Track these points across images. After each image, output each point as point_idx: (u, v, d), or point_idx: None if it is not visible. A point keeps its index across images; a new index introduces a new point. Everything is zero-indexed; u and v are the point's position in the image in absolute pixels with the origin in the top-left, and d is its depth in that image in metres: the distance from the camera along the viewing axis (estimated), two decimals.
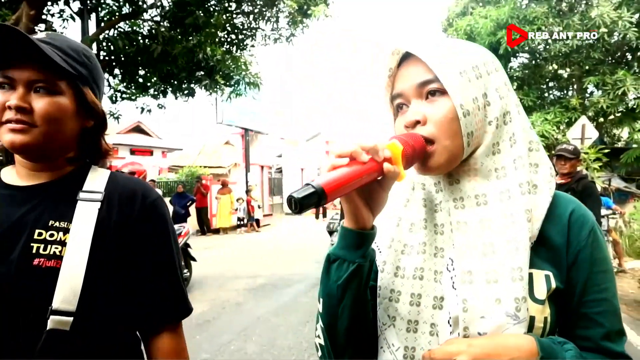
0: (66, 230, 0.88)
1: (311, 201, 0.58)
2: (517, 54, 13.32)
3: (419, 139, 0.71)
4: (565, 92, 13.83)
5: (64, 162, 0.98)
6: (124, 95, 9.67)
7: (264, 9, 8.91)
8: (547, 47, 12.70)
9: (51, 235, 0.87)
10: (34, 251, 0.85)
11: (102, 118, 1.00)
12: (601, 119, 12.41)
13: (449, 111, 0.70)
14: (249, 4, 8.95)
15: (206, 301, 5.88)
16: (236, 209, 14.64)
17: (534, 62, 13.63)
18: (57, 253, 0.86)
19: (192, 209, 13.18)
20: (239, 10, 9.05)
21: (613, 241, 7.21)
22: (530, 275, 0.68)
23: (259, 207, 15.30)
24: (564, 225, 0.72)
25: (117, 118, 9.84)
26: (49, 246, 0.86)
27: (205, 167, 19.49)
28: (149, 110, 10.11)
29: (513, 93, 0.75)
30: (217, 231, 14.25)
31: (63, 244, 0.87)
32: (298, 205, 0.58)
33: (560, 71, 13.39)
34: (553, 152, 4.13)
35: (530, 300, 0.67)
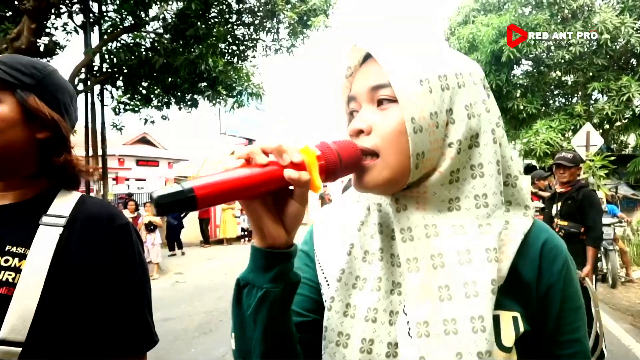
0: (23, 256, 0.84)
1: (175, 203, 0.48)
2: (520, 62, 13.27)
3: (351, 148, 0.60)
4: (569, 98, 13.74)
5: (26, 182, 0.94)
6: (127, 107, 9.75)
7: (264, 20, 8.96)
8: (550, 54, 12.64)
9: (6, 261, 0.83)
10: None
11: (56, 128, 0.93)
12: (607, 126, 12.29)
13: (397, 123, 0.59)
14: (250, 15, 9.00)
15: (204, 313, 5.82)
16: (237, 217, 14.60)
17: (537, 69, 13.57)
18: (10, 280, 0.82)
19: (194, 221, 13.17)
20: (239, 22, 9.11)
21: (620, 250, 7.07)
22: (497, 318, 0.60)
23: None
24: (535, 257, 0.64)
25: (120, 129, 9.91)
26: (2, 272, 0.82)
27: None
28: (152, 122, 10.18)
29: (494, 115, 0.65)
30: (220, 242, 14.21)
31: (18, 270, 0.83)
32: (159, 206, 0.48)
33: (564, 78, 13.31)
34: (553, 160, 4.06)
35: (496, 348, 0.59)
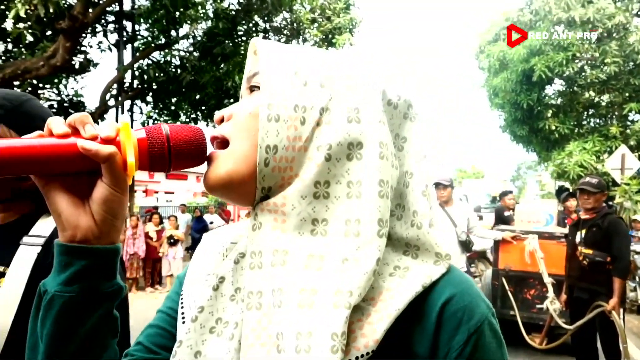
0: (2, 274, 0.90)
1: None
2: (552, 81, 12.92)
3: (190, 132, 0.52)
4: (604, 119, 13.24)
5: (5, 206, 1.00)
6: (155, 122, 10.04)
7: (290, 39, 9.10)
8: (584, 73, 12.26)
9: None
10: None
11: None
12: None
13: (253, 107, 0.51)
14: (276, 33, 9.17)
15: None
16: None
17: (570, 89, 13.17)
18: None
19: None
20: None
21: None
22: None
23: None
24: (430, 323, 0.47)
25: None
26: None
27: None
28: None
29: (400, 140, 0.54)
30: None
31: None
32: None
33: (598, 98, 12.86)
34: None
35: None
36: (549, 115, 12.91)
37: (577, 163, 11.33)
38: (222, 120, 0.54)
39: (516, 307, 4.47)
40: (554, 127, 12.46)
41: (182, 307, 0.58)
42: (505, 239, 4.75)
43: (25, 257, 0.91)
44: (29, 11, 5.42)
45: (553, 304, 4.02)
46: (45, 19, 6.54)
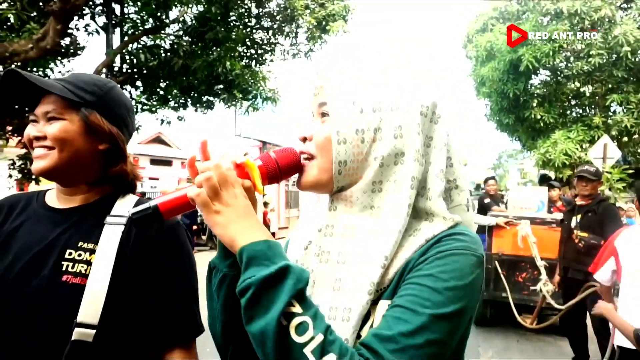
0: (92, 251, 0.98)
1: (146, 219, 0.68)
2: (538, 72, 13.16)
3: (289, 154, 0.74)
4: (587, 110, 13.57)
5: (90, 188, 1.07)
6: (144, 107, 9.87)
7: (283, 25, 9.02)
8: (569, 64, 12.52)
9: (79, 255, 0.98)
10: (63, 269, 0.96)
11: (114, 140, 1.05)
12: (625, 138, 12.11)
13: (327, 133, 0.72)
14: (269, 19, 9.08)
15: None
16: None
17: (555, 79, 13.44)
18: (83, 271, 0.96)
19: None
20: (258, 26, 9.19)
21: None
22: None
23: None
24: (421, 253, 0.69)
25: (137, 129, 10.05)
26: (77, 265, 0.97)
27: None
28: (169, 122, 10.31)
29: (427, 140, 0.73)
30: None
31: (89, 263, 0.97)
32: (134, 222, 0.68)
33: (582, 89, 13.16)
34: (575, 172, 4.02)
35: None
36: (535, 104, 13.18)
37: (561, 151, 11.62)
38: (305, 139, 0.76)
39: (508, 289, 4.65)
40: (539, 116, 12.73)
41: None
42: (498, 225, 4.92)
43: (111, 235, 1.00)
44: None
45: (546, 286, 4.20)
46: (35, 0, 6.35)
